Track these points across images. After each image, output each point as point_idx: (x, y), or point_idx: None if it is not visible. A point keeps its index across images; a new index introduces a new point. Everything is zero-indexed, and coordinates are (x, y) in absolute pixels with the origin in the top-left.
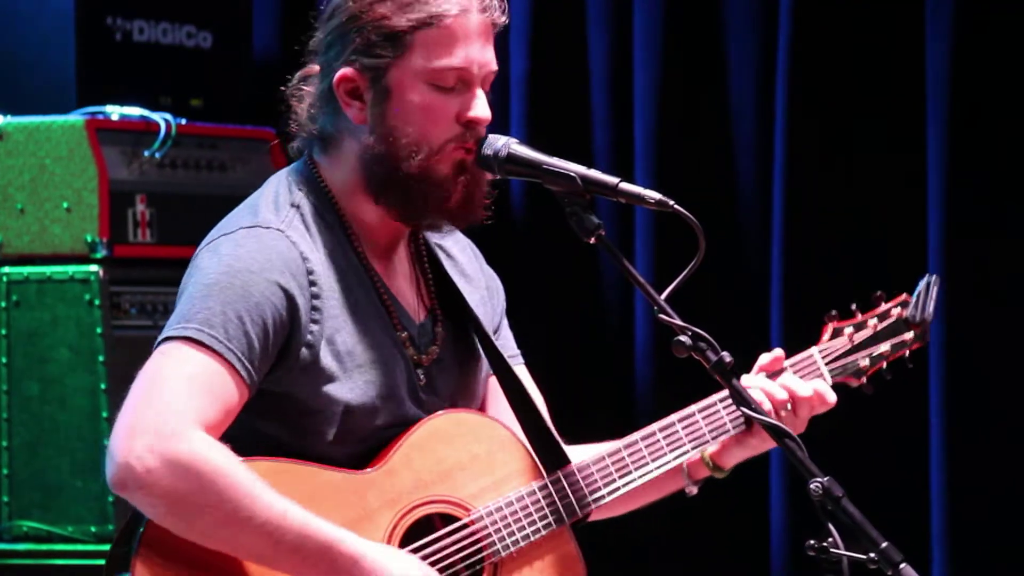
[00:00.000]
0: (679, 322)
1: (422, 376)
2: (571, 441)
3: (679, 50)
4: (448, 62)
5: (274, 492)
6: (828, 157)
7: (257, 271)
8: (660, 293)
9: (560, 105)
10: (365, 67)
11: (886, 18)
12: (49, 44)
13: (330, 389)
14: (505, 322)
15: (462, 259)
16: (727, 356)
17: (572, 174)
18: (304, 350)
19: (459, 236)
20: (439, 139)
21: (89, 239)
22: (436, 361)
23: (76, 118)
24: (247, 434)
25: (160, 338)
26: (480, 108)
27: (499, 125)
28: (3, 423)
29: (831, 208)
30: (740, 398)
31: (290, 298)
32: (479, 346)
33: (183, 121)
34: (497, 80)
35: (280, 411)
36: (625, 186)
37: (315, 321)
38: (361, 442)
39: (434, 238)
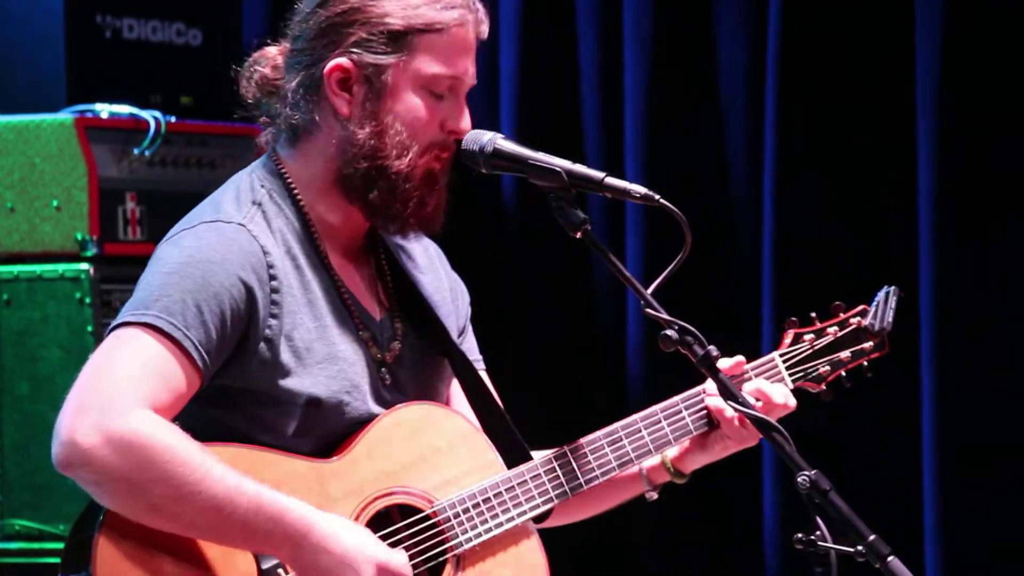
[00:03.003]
0: (666, 316)
1: (387, 374)
2: (545, 442)
3: (669, 45)
4: (446, 70)
5: (225, 466)
6: (818, 152)
7: (218, 262)
8: (649, 288)
9: (550, 101)
10: (363, 62)
11: (875, 14)
12: (39, 42)
13: (289, 383)
14: (469, 327)
15: (423, 262)
16: (714, 350)
17: (557, 169)
18: (262, 344)
19: (425, 240)
20: (425, 142)
21: (79, 237)
22: (399, 359)
23: (66, 116)
24: (212, 429)
25: (115, 323)
26: (464, 121)
27: (489, 121)
28: None
29: (821, 203)
30: (727, 392)
31: (249, 291)
32: (441, 346)
33: (173, 119)
34: (487, 75)
35: (242, 406)
36: (611, 181)
37: (274, 316)
38: (325, 438)
39: (396, 239)
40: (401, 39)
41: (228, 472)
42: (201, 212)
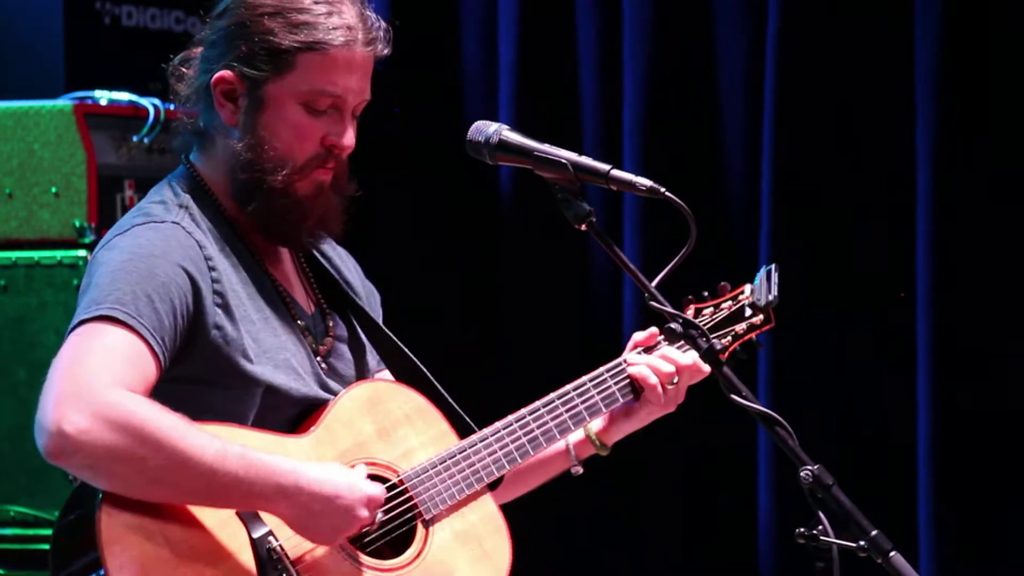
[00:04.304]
0: (670, 309)
1: (323, 364)
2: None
3: (668, 38)
4: (324, 88)
5: (207, 431)
6: (816, 145)
7: (160, 255)
8: (649, 280)
9: (549, 92)
10: (245, 75)
11: (875, 9)
12: (38, 29)
13: (247, 369)
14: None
15: (338, 263)
16: (717, 344)
17: (563, 160)
18: (214, 331)
19: (339, 248)
20: (303, 158)
21: (77, 224)
22: (332, 350)
23: (64, 103)
24: None
25: (72, 323)
26: (346, 137)
27: (488, 112)
28: None
29: (819, 197)
30: (731, 386)
31: (193, 281)
32: (368, 336)
33: (172, 106)
34: (486, 67)
35: (201, 398)
36: (616, 173)
37: (219, 305)
38: (279, 426)
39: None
40: (282, 56)
41: (211, 437)
42: (131, 219)
